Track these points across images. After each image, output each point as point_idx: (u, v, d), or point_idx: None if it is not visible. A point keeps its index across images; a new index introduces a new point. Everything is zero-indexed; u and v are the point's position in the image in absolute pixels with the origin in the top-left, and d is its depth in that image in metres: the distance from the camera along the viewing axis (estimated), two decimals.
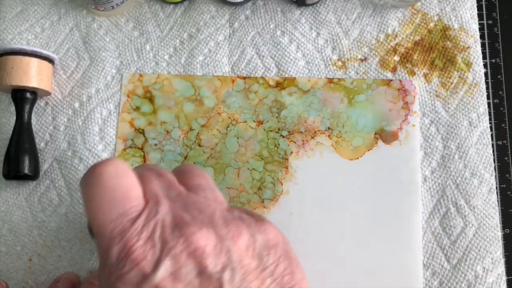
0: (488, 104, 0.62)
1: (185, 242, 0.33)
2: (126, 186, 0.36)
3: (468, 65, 0.62)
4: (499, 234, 0.58)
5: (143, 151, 0.60)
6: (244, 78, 0.62)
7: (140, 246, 0.33)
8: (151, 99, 0.61)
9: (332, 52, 0.63)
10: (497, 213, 0.58)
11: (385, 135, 0.60)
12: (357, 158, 0.60)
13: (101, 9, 0.62)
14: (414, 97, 0.61)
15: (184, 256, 0.33)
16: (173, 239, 0.34)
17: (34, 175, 0.58)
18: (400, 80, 0.62)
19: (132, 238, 0.34)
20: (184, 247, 0.33)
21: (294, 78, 0.62)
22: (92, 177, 0.36)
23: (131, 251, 0.33)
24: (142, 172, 0.39)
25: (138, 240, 0.34)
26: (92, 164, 0.58)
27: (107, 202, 0.35)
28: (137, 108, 0.61)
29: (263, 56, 0.63)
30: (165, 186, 0.38)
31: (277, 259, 0.37)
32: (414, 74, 0.62)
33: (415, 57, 0.63)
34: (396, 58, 0.63)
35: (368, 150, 0.60)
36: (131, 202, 0.35)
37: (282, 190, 0.59)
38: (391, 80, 0.62)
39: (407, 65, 0.62)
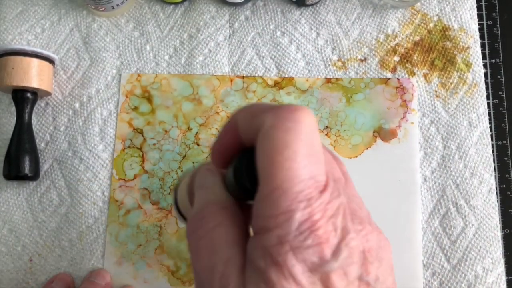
0: (488, 104, 0.62)
1: (364, 238, 0.29)
2: (321, 145, 0.30)
3: (468, 65, 0.62)
4: (499, 234, 0.58)
5: (142, 151, 0.60)
6: (243, 77, 0.62)
7: (324, 224, 0.28)
8: (149, 99, 0.62)
9: (332, 53, 0.63)
10: (497, 213, 0.58)
11: (383, 133, 0.60)
12: (356, 156, 0.60)
13: (101, 9, 0.62)
14: (412, 95, 0.61)
15: (357, 252, 0.29)
16: (354, 230, 0.29)
17: (34, 176, 0.58)
18: (398, 78, 0.62)
19: (318, 211, 0.28)
20: (361, 243, 0.29)
21: (292, 78, 0.62)
22: (292, 121, 0.29)
23: (316, 226, 0.28)
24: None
25: (323, 216, 0.28)
26: (92, 164, 0.58)
27: (304, 156, 0.29)
28: (135, 108, 0.61)
29: (263, 57, 0.63)
30: (336, 168, 0.33)
31: (390, 271, 0.32)
32: (414, 74, 0.62)
33: (415, 58, 0.63)
34: (396, 58, 0.63)
35: (367, 148, 0.60)
36: (322, 168, 0.30)
37: None
38: (389, 78, 0.62)
39: (407, 65, 0.62)
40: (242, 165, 0.31)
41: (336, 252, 0.28)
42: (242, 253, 0.30)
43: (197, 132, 0.60)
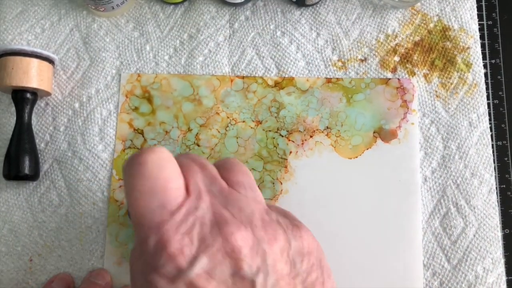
0: (488, 104, 0.62)
1: (223, 241, 0.33)
2: (167, 176, 0.35)
3: (468, 65, 0.62)
4: (499, 234, 0.58)
5: None
6: (243, 77, 0.62)
7: (177, 240, 0.33)
8: (149, 99, 0.61)
9: (332, 53, 0.63)
10: (497, 214, 0.58)
11: (384, 134, 0.60)
12: (356, 157, 0.60)
13: (101, 9, 0.62)
14: (413, 95, 0.61)
15: (221, 255, 0.33)
16: (212, 237, 0.33)
17: (34, 176, 0.58)
18: (398, 79, 0.62)
19: (170, 231, 0.33)
20: (222, 246, 0.33)
21: (293, 78, 0.62)
22: (134, 164, 0.35)
23: (168, 244, 0.32)
24: (186, 162, 0.38)
25: (176, 233, 0.33)
26: (92, 164, 0.58)
27: (147, 192, 0.34)
28: (135, 109, 0.61)
29: (263, 57, 0.63)
30: (208, 179, 0.37)
31: (310, 267, 0.37)
32: (414, 74, 0.62)
33: (415, 58, 0.63)
34: (396, 58, 0.63)
35: (367, 149, 0.60)
36: (172, 193, 0.35)
37: (282, 190, 0.59)
38: (390, 78, 0.62)
39: (407, 65, 0.62)
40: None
41: (192, 261, 0.32)
42: None
43: (197, 133, 0.60)
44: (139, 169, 0.35)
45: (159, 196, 0.34)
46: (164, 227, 0.33)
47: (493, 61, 0.64)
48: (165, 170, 0.35)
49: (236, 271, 0.33)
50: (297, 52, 0.63)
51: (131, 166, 0.35)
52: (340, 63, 0.63)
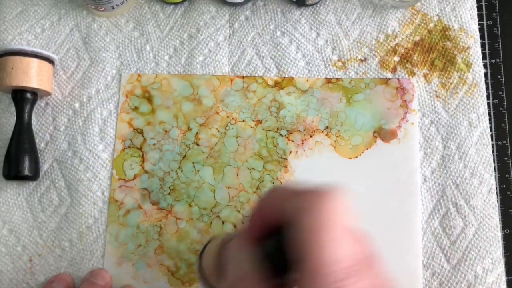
0: (488, 104, 0.62)
1: None
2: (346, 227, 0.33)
3: (468, 65, 0.62)
4: (499, 234, 0.58)
5: (142, 151, 0.60)
6: (243, 77, 0.62)
7: None
8: (149, 99, 0.62)
9: (332, 53, 0.63)
10: (497, 214, 0.58)
11: (383, 134, 0.60)
12: (356, 157, 0.60)
13: (101, 9, 0.62)
14: (413, 95, 0.61)
15: None
16: None
17: (34, 176, 0.58)
18: (398, 79, 0.62)
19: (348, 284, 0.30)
20: None
21: (293, 78, 0.62)
22: (325, 207, 0.32)
23: None
24: None
25: None
26: (92, 164, 0.58)
27: (337, 238, 0.31)
28: (135, 108, 0.61)
29: (263, 57, 0.63)
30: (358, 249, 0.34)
31: None
32: (414, 74, 0.62)
33: (415, 58, 0.63)
34: (396, 58, 0.63)
35: (367, 149, 0.60)
36: (350, 249, 0.32)
37: None
38: (389, 79, 0.62)
39: (407, 65, 0.62)
40: (280, 245, 0.33)
41: None
42: None
43: (197, 132, 0.60)
44: (331, 210, 0.32)
45: (344, 247, 0.31)
46: (343, 283, 0.30)
47: (493, 61, 0.64)
48: (347, 218, 0.33)
49: None
50: (297, 52, 0.63)
51: (318, 207, 0.32)
52: (340, 63, 0.63)
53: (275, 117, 0.61)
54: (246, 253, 0.36)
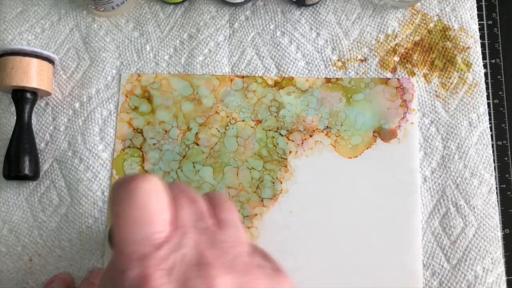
0: (488, 104, 0.62)
1: (205, 285, 0.31)
2: (156, 207, 0.34)
3: (468, 65, 0.62)
4: (499, 234, 0.58)
5: (142, 151, 0.60)
6: (243, 77, 0.62)
7: (158, 277, 0.31)
8: (149, 99, 0.62)
9: (332, 53, 0.63)
10: (497, 213, 0.58)
11: (383, 133, 0.60)
12: (356, 157, 0.60)
13: (101, 9, 0.62)
14: (412, 95, 0.61)
15: None
16: (194, 278, 0.32)
17: (34, 176, 0.58)
18: (398, 79, 0.62)
19: (151, 267, 0.31)
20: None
21: (292, 77, 0.62)
22: (125, 190, 0.34)
23: (148, 281, 0.31)
24: (176, 193, 0.37)
25: (157, 270, 0.31)
26: (92, 164, 0.58)
27: (133, 221, 0.33)
28: (135, 108, 0.61)
29: (263, 57, 0.63)
30: (195, 215, 0.36)
31: None
32: (414, 74, 0.62)
33: (415, 58, 0.63)
34: (396, 58, 0.63)
35: (367, 149, 0.60)
36: (158, 226, 0.34)
37: (282, 189, 0.59)
38: (389, 78, 0.62)
39: (407, 65, 0.62)
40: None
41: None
42: None
43: (197, 132, 0.60)
44: (129, 196, 0.34)
45: (146, 227, 0.33)
46: (146, 262, 0.32)
47: (493, 61, 0.64)
48: (154, 201, 0.34)
49: None
50: (297, 52, 0.63)
51: (121, 191, 0.34)
52: (340, 63, 0.63)
53: (275, 117, 0.61)
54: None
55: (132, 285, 0.31)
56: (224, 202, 0.39)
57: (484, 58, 0.64)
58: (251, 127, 0.60)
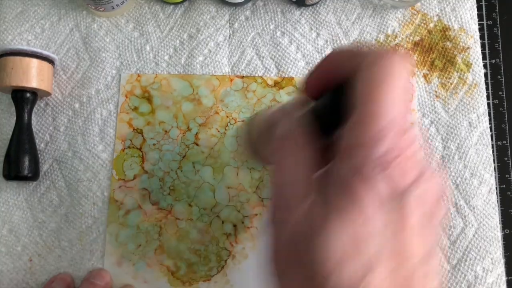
0: (488, 104, 0.62)
1: (436, 183, 0.31)
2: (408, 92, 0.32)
3: (468, 65, 0.62)
4: (499, 234, 0.58)
5: (142, 151, 0.60)
6: (242, 77, 0.62)
7: (409, 155, 0.29)
8: (149, 99, 0.62)
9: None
10: (497, 214, 0.58)
11: None
12: None
13: (101, 9, 0.62)
14: (412, 95, 0.61)
15: (430, 193, 0.30)
16: (427, 171, 0.30)
17: (34, 176, 0.58)
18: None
19: (405, 144, 0.29)
20: (435, 186, 0.31)
21: (292, 77, 0.62)
22: (395, 62, 0.30)
23: (402, 155, 0.29)
24: None
25: (408, 149, 0.30)
26: (92, 163, 0.58)
27: (402, 91, 0.30)
28: (135, 108, 0.61)
29: (263, 57, 0.63)
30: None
31: None
32: (414, 74, 0.62)
33: (415, 58, 0.63)
34: None
35: None
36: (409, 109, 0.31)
37: None
38: None
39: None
40: (337, 96, 0.32)
41: (416, 184, 0.29)
42: (317, 169, 0.32)
43: (197, 132, 0.60)
44: (400, 66, 0.31)
45: (407, 102, 0.31)
46: (403, 139, 0.30)
47: (493, 61, 0.64)
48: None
49: (432, 215, 0.31)
50: (297, 52, 0.63)
51: (388, 59, 0.31)
52: None
53: None
54: (296, 112, 0.35)
55: (390, 155, 0.29)
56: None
57: (484, 58, 0.64)
58: None
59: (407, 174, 0.29)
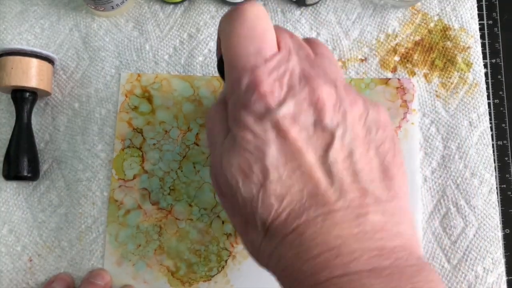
0: (488, 104, 0.62)
1: (310, 92, 0.36)
2: (265, 27, 0.38)
3: (468, 65, 0.62)
4: (499, 234, 0.58)
5: (142, 151, 0.60)
6: None
7: (268, 83, 0.36)
8: (149, 99, 0.61)
9: (332, 52, 0.63)
10: (497, 213, 0.58)
11: None
12: None
13: (101, 9, 0.62)
14: (413, 95, 0.61)
15: (306, 103, 0.36)
16: (299, 86, 0.36)
17: (34, 176, 0.58)
18: (398, 79, 0.62)
19: (262, 74, 0.36)
20: (308, 95, 0.36)
21: None
22: (236, 14, 0.39)
23: (260, 85, 0.36)
24: (276, 27, 0.41)
25: (268, 77, 0.36)
26: (92, 163, 0.58)
27: (246, 37, 0.38)
28: (135, 108, 0.61)
29: None
30: (296, 44, 0.40)
31: (384, 138, 0.38)
32: (414, 74, 0.62)
33: (415, 57, 0.63)
34: (396, 58, 0.63)
35: None
36: (267, 43, 0.38)
37: None
38: (390, 79, 0.62)
39: (407, 65, 0.62)
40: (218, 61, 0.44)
41: (281, 102, 0.35)
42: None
43: (197, 133, 0.60)
44: (240, 16, 0.38)
45: (256, 42, 0.37)
46: (258, 70, 0.36)
47: (493, 60, 0.64)
48: (263, 21, 0.39)
49: (318, 121, 0.36)
50: None
51: (232, 15, 0.39)
52: (340, 63, 0.63)
53: None
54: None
55: (245, 90, 0.36)
56: (319, 42, 0.43)
57: (484, 58, 0.64)
58: None
59: (275, 93, 0.36)
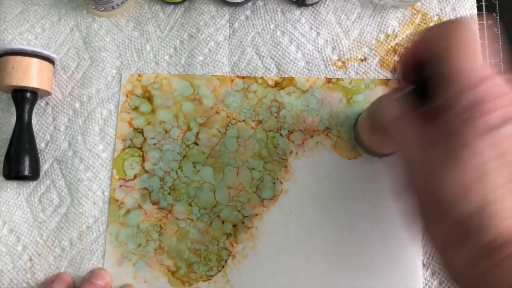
0: None
1: None
2: (479, 45, 0.38)
3: None
4: None
5: (142, 151, 0.60)
6: (243, 77, 0.62)
7: (492, 99, 0.35)
8: (150, 99, 0.62)
9: (332, 52, 0.63)
10: None
11: None
12: (356, 158, 0.60)
13: (102, 9, 0.62)
14: None
15: None
16: None
17: (34, 175, 0.58)
18: (398, 79, 0.62)
19: (487, 89, 0.35)
20: None
21: (293, 78, 0.62)
22: (465, 26, 0.38)
23: (485, 101, 0.35)
24: None
25: (491, 93, 0.35)
26: (93, 164, 0.58)
27: (473, 50, 0.37)
28: (136, 108, 0.61)
29: (263, 57, 0.63)
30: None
31: None
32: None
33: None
34: (396, 58, 0.63)
35: None
36: (481, 61, 0.37)
37: (282, 190, 0.59)
38: (389, 79, 0.62)
39: None
40: (427, 76, 0.40)
41: (503, 122, 0.35)
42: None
43: (197, 132, 0.60)
44: (469, 31, 0.38)
45: (479, 58, 0.37)
46: (483, 85, 0.35)
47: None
48: (477, 38, 0.40)
49: None
50: (297, 52, 0.63)
51: (462, 26, 0.38)
52: (340, 63, 0.63)
53: (276, 117, 0.61)
54: (396, 96, 0.43)
55: (470, 104, 0.35)
56: None
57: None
58: (252, 127, 0.60)
59: (495, 112, 0.35)
